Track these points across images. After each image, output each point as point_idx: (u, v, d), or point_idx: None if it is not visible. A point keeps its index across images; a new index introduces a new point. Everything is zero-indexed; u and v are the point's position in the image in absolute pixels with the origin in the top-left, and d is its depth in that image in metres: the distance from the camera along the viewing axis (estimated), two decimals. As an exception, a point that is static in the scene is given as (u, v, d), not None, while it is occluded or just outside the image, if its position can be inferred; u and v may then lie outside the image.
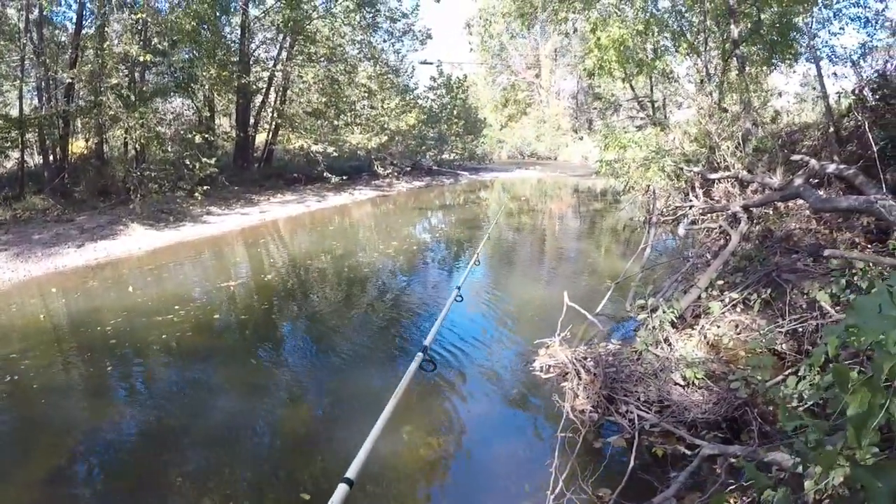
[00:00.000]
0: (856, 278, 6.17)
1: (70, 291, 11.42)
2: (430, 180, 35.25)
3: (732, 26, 15.62)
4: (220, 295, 11.10)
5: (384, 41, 32.81)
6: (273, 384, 7.21)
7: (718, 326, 7.02)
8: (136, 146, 19.68)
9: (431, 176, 36.73)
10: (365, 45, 30.24)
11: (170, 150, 20.27)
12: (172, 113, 23.90)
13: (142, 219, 17.30)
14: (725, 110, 15.65)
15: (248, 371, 7.58)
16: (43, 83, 18.93)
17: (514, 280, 12.37)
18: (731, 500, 3.91)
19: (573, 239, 17.56)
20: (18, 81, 18.57)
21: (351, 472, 2.33)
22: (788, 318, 6.58)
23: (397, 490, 4.96)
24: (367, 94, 30.45)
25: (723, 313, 7.25)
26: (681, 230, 13.97)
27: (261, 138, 29.48)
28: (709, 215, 13.36)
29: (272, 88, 28.09)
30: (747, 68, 16.66)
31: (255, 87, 26.53)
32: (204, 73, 20.75)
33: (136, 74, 20.05)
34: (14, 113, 18.97)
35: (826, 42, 16.66)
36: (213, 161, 20.04)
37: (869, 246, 8.19)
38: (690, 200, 14.73)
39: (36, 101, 20.10)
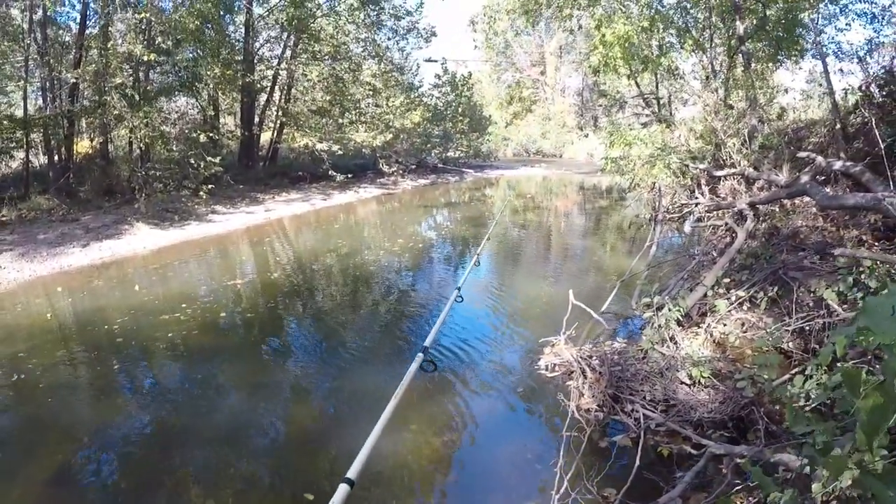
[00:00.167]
0: (863, 276, 6.12)
1: (76, 291, 11.43)
2: (436, 178, 35.26)
3: (738, 22, 15.55)
4: (226, 293, 11.10)
5: (388, 39, 32.83)
6: (278, 383, 7.20)
7: (725, 325, 6.97)
8: (141, 145, 19.70)
9: (436, 174, 36.74)
10: (369, 42, 30.23)
11: (174, 149, 20.29)
12: (177, 112, 23.96)
13: (147, 218, 17.32)
14: (731, 107, 15.58)
15: (254, 370, 7.58)
16: (47, 83, 19.00)
17: (519, 277, 12.35)
18: (738, 501, 3.88)
19: (578, 236, 17.52)
20: (23, 82, 18.59)
21: (352, 473, 2.34)
22: (795, 316, 6.53)
23: (400, 490, 4.93)
24: (371, 92, 30.42)
25: (729, 311, 7.20)
26: (687, 227, 13.92)
27: (266, 137, 29.52)
28: (715, 212, 13.30)
29: (276, 87, 28.12)
30: (753, 65, 16.57)
31: (259, 85, 26.54)
32: (208, 72, 20.75)
33: (141, 74, 20.09)
34: (19, 113, 18.99)
35: (832, 38, 16.56)
36: (217, 160, 20.07)
37: (876, 244, 8.13)
38: (696, 197, 14.68)
39: (40, 102, 20.16)
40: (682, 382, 5.76)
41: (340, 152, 27.98)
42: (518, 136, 57.38)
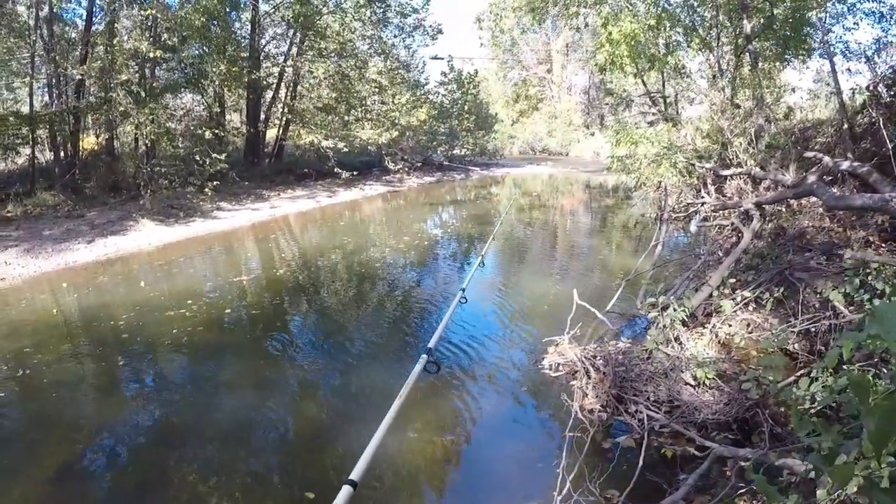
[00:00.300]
0: (870, 278, 6.07)
1: (81, 287, 11.44)
2: (441, 176, 35.24)
3: (745, 21, 15.48)
4: (232, 290, 11.12)
5: (395, 36, 32.84)
6: (283, 380, 7.20)
7: (730, 325, 6.94)
8: (147, 142, 19.75)
9: (442, 171, 36.71)
10: (375, 40, 30.17)
11: (180, 145, 20.29)
12: (183, 109, 23.98)
13: (152, 214, 17.34)
14: (738, 106, 15.51)
15: (259, 367, 7.59)
16: (53, 80, 19.00)
17: (524, 276, 12.33)
18: (742, 504, 3.86)
19: (584, 235, 17.50)
20: (29, 78, 18.62)
21: (355, 474, 2.31)
22: (801, 317, 6.50)
23: (403, 489, 4.92)
24: (377, 90, 30.37)
25: (734, 312, 7.17)
26: (692, 227, 13.86)
27: (271, 134, 29.51)
28: (721, 212, 13.23)
29: (282, 84, 28.09)
30: (760, 64, 16.50)
31: (265, 82, 26.53)
32: (214, 69, 20.72)
33: (147, 70, 20.13)
34: (25, 110, 19.02)
35: (840, 37, 16.41)
36: (223, 157, 20.04)
37: (883, 245, 8.08)
38: (702, 197, 14.60)
39: (46, 98, 20.18)
40: (686, 383, 5.73)
41: (346, 149, 27.96)
42: (524, 134, 57.29)
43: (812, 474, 2.65)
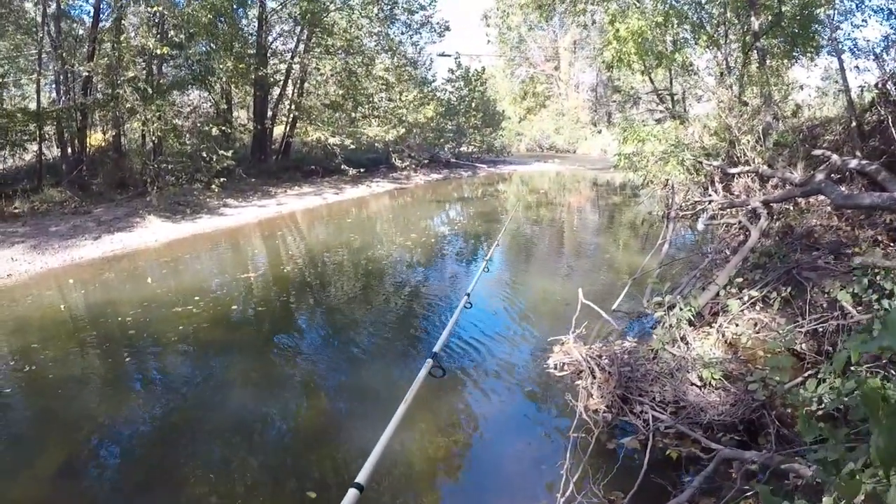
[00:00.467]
0: (878, 278, 6.02)
1: (87, 283, 11.48)
2: (448, 173, 35.19)
3: (753, 18, 15.40)
4: (238, 287, 11.12)
5: (402, 33, 32.84)
6: (288, 378, 7.20)
7: (737, 325, 6.89)
8: (154, 139, 19.76)
9: (449, 168, 36.67)
10: (382, 37, 30.19)
11: (187, 142, 20.30)
12: (190, 105, 23.98)
13: (158, 211, 17.36)
14: (746, 104, 15.43)
15: (264, 364, 7.61)
16: (61, 76, 19.03)
17: (530, 274, 12.30)
18: (747, 507, 3.82)
19: (591, 233, 17.44)
20: (36, 75, 18.67)
21: (361, 478, 2.31)
22: (808, 317, 6.44)
23: (404, 490, 4.90)
24: (384, 87, 30.35)
25: (741, 311, 7.11)
26: (700, 225, 13.83)
27: (278, 131, 29.52)
28: (728, 210, 13.19)
29: (289, 81, 28.09)
30: (768, 61, 16.41)
31: (272, 79, 26.60)
32: (221, 66, 20.72)
33: (154, 67, 20.15)
34: (32, 106, 19.06)
35: (848, 34, 16.29)
36: (230, 153, 20.08)
37: (892, 244, 8.04)
38: (710, 195, 14.56)
39: (54, 95, 20.23)
40: (692, 384, 5.69)
41: (353, 146, 27.93)
42: (531, 131, 57.19)
43: (819, 478, 2.61)
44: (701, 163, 15.16)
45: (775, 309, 7.01)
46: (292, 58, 27.21)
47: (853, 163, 9.72)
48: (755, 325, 6.98)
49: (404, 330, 8.90)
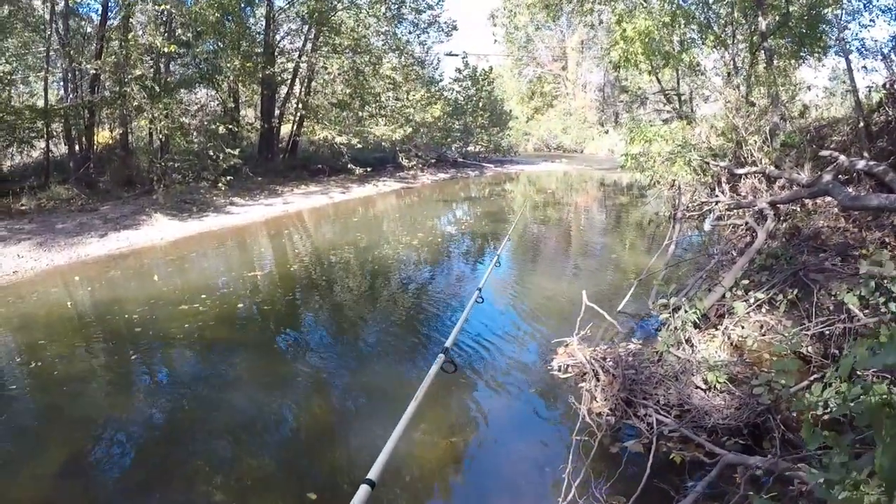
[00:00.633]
0: (885, 281, 5.97)
1: (93, 280, 11.51)
2: (455, 172, 35.16)
3: (760, 18, 15.35)
4: (244, 285, 11.15)
5: (409, 33, 32.92)
6: (294, 377, 7.18)
7: (743, 327, 6.85)
8: (161, 137, 19.79)
9: (456, 168, 36.64)
10: (390, 36, 30.24)
11: (194, 140, 20.34)
12: (197, 104, 24.03)
13: (165, 209, 17.39)
14: (753, 104, 15.39)
15: (271, 363, 7.61)
16: (68, 74, 19.09)
17: (536, 275, 12.26)
18: (751, 513, 3.79)
19: (598, 234, 17.40)
20: (44, 72, 18.71)
21: (372, 474, 2.35)
22: (815, 320, 6.40)
23: (406, 491, 4.88)
24: (392, 86, 30.32)
25: (747, 313, 7.07)
26: (706, 226, 13.75)
27: (286, 129, 29.54)
28: (735, 211, 13.13)
29: (297, 79, 28.10)
30: (775, 61, 16.37)
31: (279, 78, 26.62)
32: (228, 65, 20.76)
33: (161, 65, 20.18)
34: (40, 103, 19.10)
35: (856, 35, 16.29)
36: (237, 152, 20.12)
37: (900, 247, 7.99)
38: (716, 196, 14.50)
39: (62, 92, 20.29)
40: (697, 387, 5.65)
41: (360, 146, 27.91)
42: (539, 131, 57.11)
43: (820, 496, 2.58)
44: (708, 163, 15.11)
45: (781, 311, 6.96)
46: (300, 56, 27.24)
47: (861, 164, 9.67)
48: (761, 327, 6.94)
49: (411, 329, 8.87)
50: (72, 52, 18.35)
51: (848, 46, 15.62)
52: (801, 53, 17.30)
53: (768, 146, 13.68)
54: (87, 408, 6.33)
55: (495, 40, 58.30)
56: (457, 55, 40.09)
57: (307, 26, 27.11)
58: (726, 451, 4.55)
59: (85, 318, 9.58)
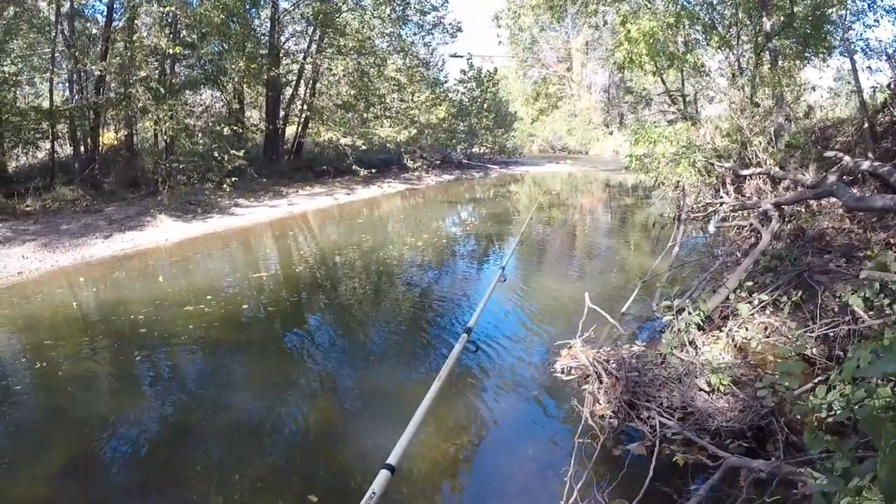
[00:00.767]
0: (890, 283, 5.95)
1: (98, 281, 11.52)
2: (460, 174, 35.14)
3: (765, 19, 15.31)
4: (250, 286, 11.15)
5: (414, 34, 32.84)
6: (298, 379, 7.19)
7: (747, 329, 6.82)
8: (166, 138, 19.81)
9: (461, 169, 36.60)
10: (394, 37, 30.20)
11: (199, 141, 20.35)
12: (202, 105, 24.05)
13: (170, 210, 17.40)
14: (757, 105, 15.37)
15: (275, 364, 7.62)
16: (74, 75, 19.12)
17: (541, 276, 12.25)
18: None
19: (602, 235, 17.37)
20: (49, 74, 18.76)
21: (392, 458, 2.34)
22: (819, 321, 6.38)
23: (408, 492, 4.87)
24: (396, 87, 30.32)
25: (752, 315, 7.05)
26: (711, 227, 13.76)
27: (290, 131, 29.54)
28: (739, 212, 13.11)
29: (302, 81, 28.11)
30: (780, 62, 16.34)
31: (284, 79, 26.65)
32: (233, 66, 20.76)
33: (166, 67, 20.21)
34: (45, 105, 19.15)
35: (860, 35, 16.23)
36: (241, 153, 20.10)
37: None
38: (721, 197, 14.48)
39: (67, 93, 20.33)
40: (700, 389, 5.64)
41: (364, 147, 27.91)
42: (544, 132, 57.08)
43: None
44: (712, 164, 15.09)
45: (786, 313, 6.93)
46: (304, 58, 27.23)
47: (865, 164, 9.65)
48: (765, 329, 6.91)
49: (416, 331, 8.86)
50: (77, 53, 18.37)
51: (852, 47, 15.57)
52: (806, 54, 17.25)
53: (773, 147, 13.66)
54: (91, 408, 6.35)
55: (499, 41, 58.39)
56: (461, 56, 40.01)
57: (312, 28, 27.13)
58: (729, 454, 4.53)
59: (90, 318, 9.59)
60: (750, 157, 14.15)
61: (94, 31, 20.83)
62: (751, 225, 11.81)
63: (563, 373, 6.58)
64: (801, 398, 4.87)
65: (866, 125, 12.39)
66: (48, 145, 19.28)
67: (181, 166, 19.56)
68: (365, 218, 20.46)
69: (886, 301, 5.71)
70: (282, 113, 27.95)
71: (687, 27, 17.79)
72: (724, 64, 19.23)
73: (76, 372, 7.25)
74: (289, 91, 28.10)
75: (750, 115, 14.60)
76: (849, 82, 18.71)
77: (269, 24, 26.31)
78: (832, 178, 9.49)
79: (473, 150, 39.38)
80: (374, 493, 2.15)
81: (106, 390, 6.87)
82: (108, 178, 19.47)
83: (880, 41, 15.89)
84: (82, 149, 19.60)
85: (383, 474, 2.22)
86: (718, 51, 18.23)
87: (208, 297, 10.08)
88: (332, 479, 5.08)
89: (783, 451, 4.45)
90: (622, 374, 5.82)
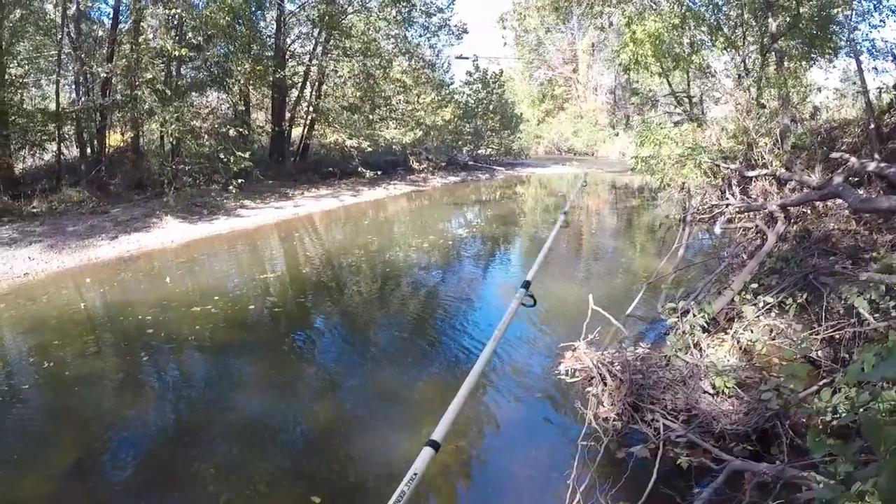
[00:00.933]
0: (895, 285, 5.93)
1: (104, 282, 11.55)
2: (466, 175, 35.07)
3: (770, 20, 15.30)
4: (256, 287, 11.19)
5: (420, 36, 32.80)
6: (303, 380, 7.23)
7: (752, 331, 6.80)
8: (172, 140, 19.85)
9: (467, 171, 36.52)
10: (400, 39, 30.17)
11: (205, 143, 20.37)
12: (208, 107, 24.05)
13: (176, 212, 17.43)
14: (763, 106, 15.35)
15: (282, 365, 7.65)
16: (80, 77, 19.16)
17: (547, 276, 12.20)
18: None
19: (608, 236, 17.34)
20: (56, 76, 18.82)
21: (437, 435, 2.16)
22: (825, 324, 6.36)
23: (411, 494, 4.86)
24: (402, 89, 30.33)
25: (757, 317, 7.03)
26: (717, 229, 13.72)
27: (296, 133, 29.54)
28: (745, 214, 13.09)
29: (307, 83, 28.13)
30: (786, 63, 16.31)
31: (290, 81, 26.68)
32: (239, 68, 20.82)
33: (172, 69, 20.23)
34: (52, 107, 19.21)
35: (866, 35, 16.21)
36: (247, 155, 20.09)
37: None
38: (727, 198, 14.45)
39: (73, 95, 20.37)
40: (705, 392, 5.62)
41: (370, 149, 27.89)
42: (550, 133, 56.94)
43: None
44: (718, 166, 15.07)
45: (791, 315, 6.91)
46: (310, 60, 27.27)
47: (871, 165, 9.63)
48: (771, 331, 6.89)
49: (423, 332, 8.86)
50: (83, 55, 18.44)
51: (858, 47, 15.55)
52: (812, 55, 17.23)
53: (779, 148, 13.64)
54: (98, 408, 6.37)
55: (505, 43, 58.38)
56: (467, 58, 39.98)
57: (318, 30, 27.14)
58: (733, 457, 4.52)
59: (96, 319, 9.62)
60: (756, 158, 14.13)
61: (101, 33, 20.88)
62: (756, 226, 11.77)
63: (567, 375, 6.56)
64: (806, 401, 4.85)
65: (872, 126, 12.36)
66: (55, 147, 19.30)
67: (187, 168, 19.62)
68: (371, 220, 20.45)
69: (892, 303, 5.69)
70: (288, 115, 27.98)
71: (692, 28, 17.79)
72: (729, 65, 19.24)
73: (83, 372, 7.27)
74: (295, 93, 28.16)
75: (756, 116, 14.58)
76: (855, 83, 18.69)
77: (274, 27, 26.36)
78: (838, 179, 9.48)
79: (479, 151, 39.30)
80: (415, 473, 1.99)
81: (113, 390, 6.89)
82: (115, 180, 19.51)
83: (886, 42, 15.92)
84: (89, 150, 19.66)
85: (426, 452, 2.06)
86: (724, 52, 18.22)
87: (215, 298, 10.10)
88: (335, 480, 5.08)
89: (787, 454, 4.44)
90: (626, 377, 5.80)
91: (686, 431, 5.04)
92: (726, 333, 6.90)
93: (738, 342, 6.71)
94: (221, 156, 19.97)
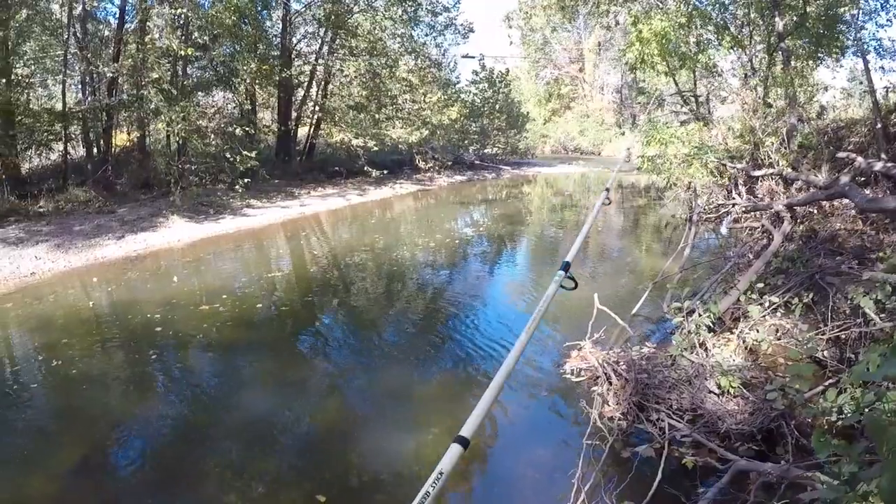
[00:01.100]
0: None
1: (111, 282, 11.57)
2: (472, 175, 35.06)
3: (777, 19, 15.25)
4: (263, 286, 11.21)
5: (426, 35, 32.77)
6: (310, 379, 7.24)
7: (758, 331, 6.79)
8: (178, 139, 19.87)
9: (473, 170, 36.51)
10: (406, 38, 30.16)
11: (211, 143, 20.41)
12: (214, 106, 24.08)
13: (182, 211, 17.46)
14: (770, 105, 15.30)
15: (289, 364, 7.69)
16: (86, 77, 19.19)
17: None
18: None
19: (615, 236, 17.31)
20: (62, 76, 18.87)
21: (466, 431, 2.01)
22: (831, 324, 6.35)
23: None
24: (408, 88, 30.35)
25: (763, 317, 7.02)
26: (723, 229, 13.68)
27: (303, 132, 29.57)
28: (752, 214, 13.06)
29: (313, 82, 28.16)
30: (792, 62, 16.26)
31: (296, 80, 26.70)
32: (245, 68, 20.81)
33: (178, 68, 20.23)
34: (58, 106, 19.25)
35: (874, 35, 16.15)
36: (253, 154, 20.11)
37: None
38: (733, 198, 14.42)
39: (79, 95, 20.40)
40: (710, 391, 5.61)
41: (376, 148, 27.91)
42: (556, 133, 56.98)
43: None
44: (724, 165, 15.03)
45: (797, 315, 6.89)
46: (316, 59, 27.30)
47: (878, 165, 9.60)
48: (776, 331, 6.88)
49: (429, 331, 8.87)
50: (89, 55, 18.46)
51: (865, 47, 15.49)
52: (819, 54, 17.17)
53: (785, 148, 13.60)
54: (106, 406, 6.40)
55: (511, 42, 58.38)
56: (473, 57, 40.02)
57: (324, 29, 27.16)
58: (738, 456, 4.52)
59: (104, 318, 9.63)
60: (762, 157, 14.09)
61: (107, 33, 20.90)
62: (763, 226, 11.77)
63: (572, 374, 6.56)
64: (812, 401, 4.85)
65: (879, 126, 12.32)
66: (61, 147, 19.33)
67: (193, 167, 19.65)
68: (377, 219, 20.47)
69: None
70: (294, 114, 28.03)
71: (699, 27, 17.75)
72: (736, 64, 19.19)
73: (91, 371, 7.29)
74: (301, 92, 28.18)
75: (762, 115, 14.53)
76: (862, 82, 18.63)
77: (280, 26, 26.38)
78: (845, 179, 9.44)
79: (485, 150, 39.27)
80: (441, 472, 1.85)
81: (120, 389, 6.91)
82: (121, 180, 19.55)
83: (893, 41, 15.82)
84: (95, 150, 19.68)
85: (454, 448, 1.91)
86: (731, 51, 18.18)
87: (223, 297, 10.13)
88: (341, 479, 5.09)
89: (793, 454, 4.44)
90: (632, 376, 5.79)
91: (691, 431, 5.03)
92: (732, 333, 6.90)
93: (744, 342, 6.70)
94: (227, 155, 20.02)
